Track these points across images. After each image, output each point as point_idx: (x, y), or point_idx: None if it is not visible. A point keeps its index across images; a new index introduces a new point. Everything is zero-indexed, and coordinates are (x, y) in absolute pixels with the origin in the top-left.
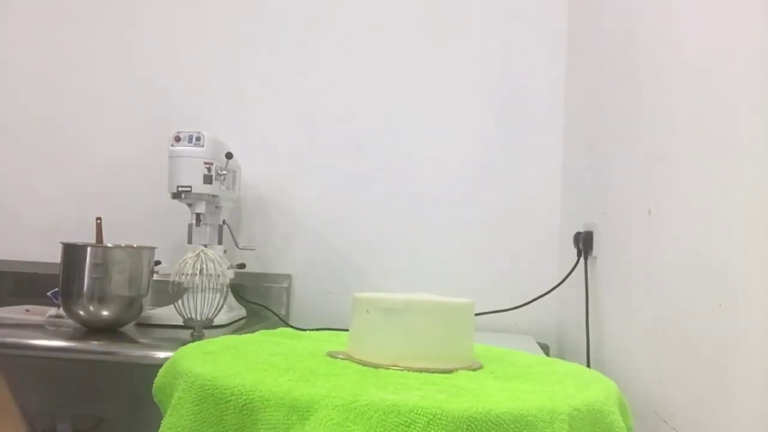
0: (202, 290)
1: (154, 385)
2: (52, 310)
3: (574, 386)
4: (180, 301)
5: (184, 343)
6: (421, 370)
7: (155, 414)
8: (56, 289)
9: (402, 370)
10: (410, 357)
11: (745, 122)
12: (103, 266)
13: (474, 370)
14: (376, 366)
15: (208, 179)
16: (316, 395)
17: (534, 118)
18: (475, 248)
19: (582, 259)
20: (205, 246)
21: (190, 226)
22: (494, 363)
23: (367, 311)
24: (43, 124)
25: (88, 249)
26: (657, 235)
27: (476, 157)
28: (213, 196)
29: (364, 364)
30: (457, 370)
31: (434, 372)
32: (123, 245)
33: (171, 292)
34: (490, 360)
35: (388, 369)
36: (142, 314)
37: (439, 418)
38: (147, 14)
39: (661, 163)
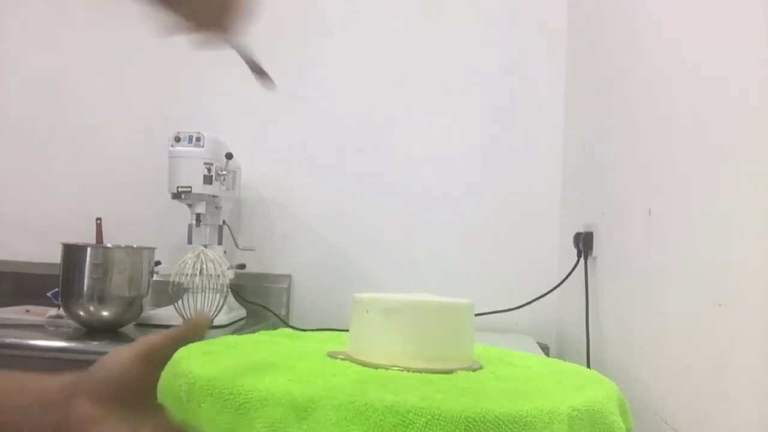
0: (202, 290)
1: (158, 388)
2: (52, 311)
3: (574, 386)
4: (180, 302)
5: None
6: (421, 371)
7: None
8: (56, 289)
9: (402, 371)
10: (410, 357)
11: (745, 122)
12: (103, 266)
13: (474, 370)
14: (376, 366)
15: (208, 179)
16: (315, 395)
17: (534, 119)
18: (475, 248)
19: (582, 260)
20: (205, 246)
21: (190, 226)
22: (494, 363)
23: (367, 311)
24: (43, 124)
25: (88, 249)
26: (657, 235)
27: (476, 157)
28: (213, 196)
29: (364, 364)
30: (457, 370)
31: (434, 372)
32: (123, 245)
33: (171, 292)
34: (491, 360)
35: (388, 369)
36: (142, 315)
37: (438, 419)
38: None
39: (661, 163)
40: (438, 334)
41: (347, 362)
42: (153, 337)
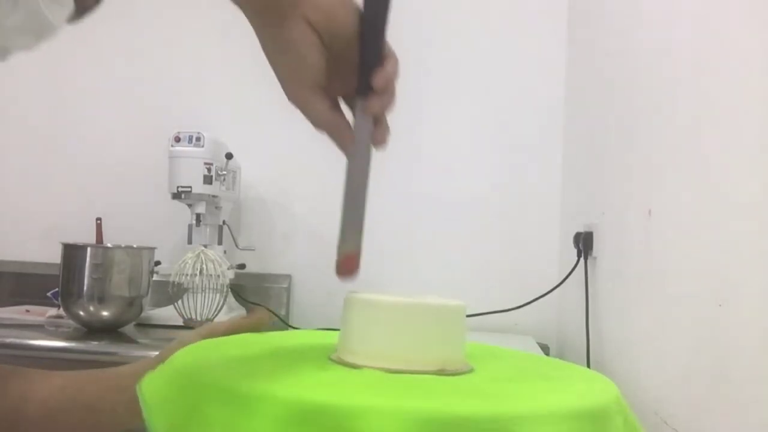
0: (202, 290)
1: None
2: (52, 311)
3: (571, 392)
4: (180, 302)
5: None
6: (392, 371)
7: None
8: (56, 289)
9: (373, 370)
10: (381, 358)
11: (745, 122)
12: (103, 266)
13: (446, 374)
14: (352, 365)
15: (208, 179)
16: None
17: (534, 119)
18: (475, 248)
19: (582, 260)
20: (205, 246)
21: (190, 226)
22: (485, 364)
23: (352, 311)
24: (43, 124)
25: (88, 249)
26: (657, 235)
27: (476, 157)
28: (213, 196)
29: (343, 362)
30: (431, 372)
31: (409, 373)
32: (123, 245)
33: (171, 292)
34: (483, 361)
35: (358, 368)
36: (142, 315)
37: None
38: (147, 14)
39: (661, 163)
40: (420, 335)
41: (327, 360)
42: (218, 324)
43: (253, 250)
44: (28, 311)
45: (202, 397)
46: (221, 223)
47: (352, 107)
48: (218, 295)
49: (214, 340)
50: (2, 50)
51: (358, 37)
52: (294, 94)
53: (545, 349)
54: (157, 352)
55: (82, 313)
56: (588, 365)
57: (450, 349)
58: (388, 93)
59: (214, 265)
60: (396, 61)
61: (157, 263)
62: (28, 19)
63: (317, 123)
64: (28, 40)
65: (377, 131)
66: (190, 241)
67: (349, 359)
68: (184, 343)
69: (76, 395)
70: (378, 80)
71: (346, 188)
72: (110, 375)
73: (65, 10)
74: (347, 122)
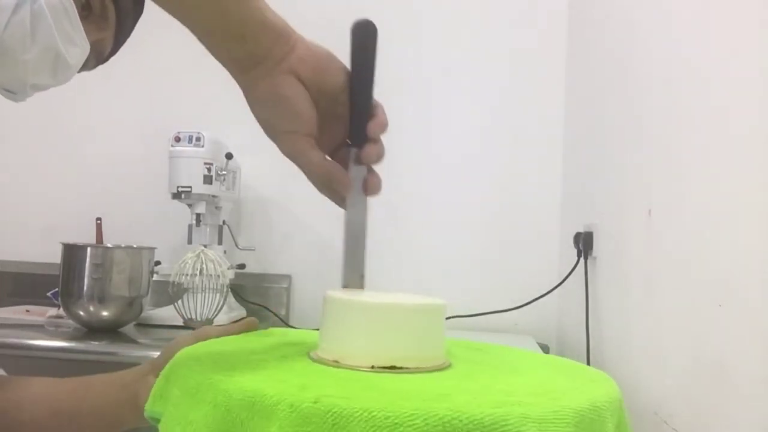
0: (202, 291)
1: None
2: (52, 311)
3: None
4: (180, 302)
5: None
6: (360, 369)
7: None
8: (56, 289)
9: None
10: (356, 356)
11: (745, 122)
12: (103, 266)
13: (394, 371)
14: (309, 359)
15: (208, 179)
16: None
17: (534, 118)
18: (475, 248)
19: (582, 260)
20: (205, 246)
21: (190, 226)
22: (464, 363)
23: (330, 310)
24: (43, 123)
25: (88, 249)
26: (657, 235)
27: (476, 157)
28: (213, 196)
29: (320, 361)
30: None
31: (380, 371)
32: (123, 245)
33: (171, 292)
34: (465, 360)
35: (329, 366)
36: (142, 315)
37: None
38: (146, 14)
39: (661, 163)
40: (372, 332)
41: (304, 360)
42: (212, 328)
43: (253, 250)
44: (28, 311)
45: (171, 380)
46: (221, 223)
47: (339, 160)
48: (218, 295)
49: (222, 338)
50: (22, 86)
51: (345, 92)
52: (289, 147)
53: (545, 349)
54: (158, 353)
55: (82, 313)
56: (588, 365)
57: (404, 347)
58: (380, 142)
59: (214, 265)
60: (384, 111)
61: (157, 263)
62: (46, 54)
63: (315, 172)
64: (46, 78)
65: (371, 179)
66: (190, 241)
67: (317, 353)
68: (180, 345)
69: (85, 395)
70: (373, 130)
71: (347, 235)
72: (116, 375)
73: (81, 52)
74: (344, 169)
